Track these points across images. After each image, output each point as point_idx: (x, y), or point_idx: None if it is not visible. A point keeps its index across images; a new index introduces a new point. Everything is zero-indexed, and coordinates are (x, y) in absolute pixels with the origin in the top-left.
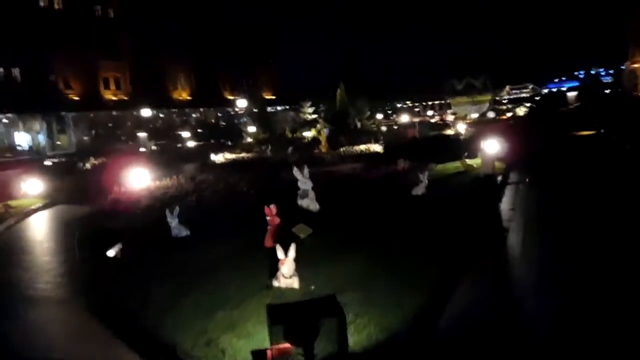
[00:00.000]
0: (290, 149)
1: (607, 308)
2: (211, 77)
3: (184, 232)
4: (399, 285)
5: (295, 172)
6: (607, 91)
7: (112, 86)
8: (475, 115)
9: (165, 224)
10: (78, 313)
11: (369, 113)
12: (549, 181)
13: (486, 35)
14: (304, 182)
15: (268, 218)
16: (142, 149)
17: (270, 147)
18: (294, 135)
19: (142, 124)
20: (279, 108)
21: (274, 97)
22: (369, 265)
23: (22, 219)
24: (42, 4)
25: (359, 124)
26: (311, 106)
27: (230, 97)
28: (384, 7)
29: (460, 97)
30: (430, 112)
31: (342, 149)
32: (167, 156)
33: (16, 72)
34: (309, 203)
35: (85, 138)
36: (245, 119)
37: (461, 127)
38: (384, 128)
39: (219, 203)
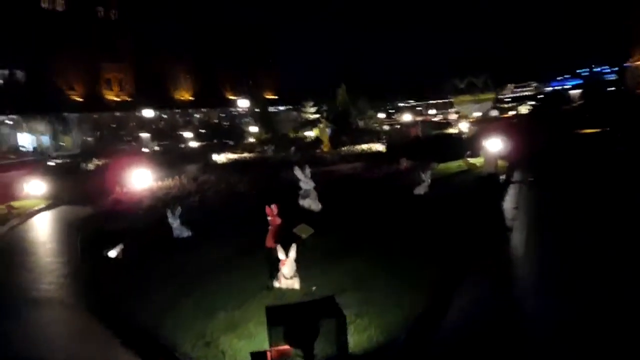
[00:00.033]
0: (292, 148)
1: (611, 309)
2: (213, 77)
3: (186, 233)
4: (400, 285)
5: (297, 172)
6: (611, 89)
7: (115, 87)
8: (478, 114)
9: (166, 224)
10: (79, 314)
11: (370, 112)
12: (552, 180)
13: (486, 35)
14: (305, 182)
15: (269, 218)
16: (144, 150)
17: (272, 147)
18: (296, 135)
19: (145, 124)
20: (281, 108)
21: (276, 97)
22: (371, 265)
23: (25, 219)
24: (44, 6)
25: (361, 124)
26: (313, 106)
27: (232, 98)
28: (384, 7)
29: (462, 96)
30: (432, 111)
31: (344, 149)
32: (170, 157)
33: (19, 74)
34: (311, 203)
35: (89, 139)
36: (248, 119)
37: (464, 126)
38: (386, 127)
39: (221, 203)
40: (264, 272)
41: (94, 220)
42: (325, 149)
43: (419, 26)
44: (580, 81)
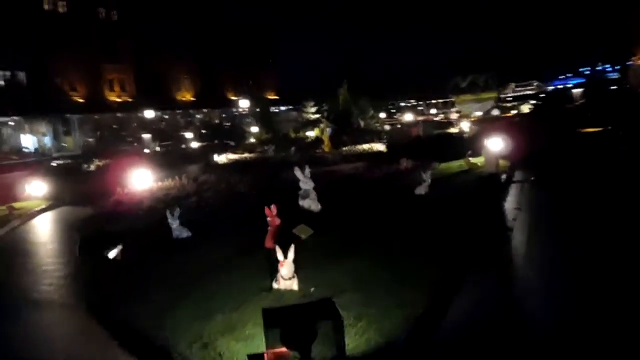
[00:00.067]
0: (292, 149)
1: (613, 310)
2: (214, 78)
3: (185, 234)
4: (400, 286)
5: (297, 172)
6: (613, 88)
7: (117, 88)
8: (479, 113)
9: (166, 225)
10: (77, 315)
11: (372, 112)
12: (554, 179)
13: (486, 35)
14: (305, 182)
15: (268, 219)
16: (146, 151)
17: (272, 147)
18: (297, 135)
19: (147, 125)
20: (282, 108)
21: (276, 98)
22: (370, 266)
23: (26, 220)
24: (46, 7)
25: (362, 123)
26: (314, 106)
27: (234, 98)
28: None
29: (464, 95)
30: (433, 111)
31: (344, 149)
32: (171, 157)
33: (21, 75)
34: (310, 203)
35: (91, 140)
36: (249, 120)
37: (465, 125)
38: (387, 127)
39: (221, 204)
40: (263, 273)
41: (94, 221)
42: (326, 149)
43: (419, 26)
44: (583, 80)
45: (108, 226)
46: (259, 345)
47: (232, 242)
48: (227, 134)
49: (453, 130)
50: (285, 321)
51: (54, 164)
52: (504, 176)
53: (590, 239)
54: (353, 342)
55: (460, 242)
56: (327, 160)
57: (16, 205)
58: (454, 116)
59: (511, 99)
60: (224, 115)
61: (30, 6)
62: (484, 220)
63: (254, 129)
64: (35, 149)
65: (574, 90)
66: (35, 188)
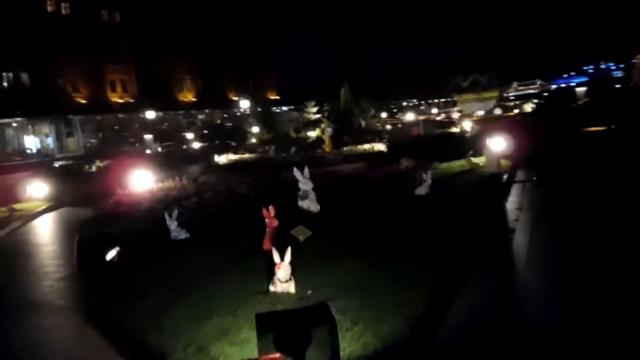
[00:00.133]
0: (293, 149)
1: (616, 312)
2: (215, 78)
3: (183, 235)
4: (399, 289)
5: (296, 172)
6: (618, 86)
7: (119, 89)
8: (481, 113)
9: (165, 226)
10: (73, 317)
11: (373, 112)
12: (557, 179)
13: (486, 35)
14: (304, 182)
15: (266, 220)
16: (148, 151)
17: (273, 148)
18: (298, 135)
19: (148, 126)
20: (284, 108)
21: (277, 98)
22: (369, 268)
23: (26, 222)
24: (49, 9)
25: (363, 123)
26: (315, 106)
27: (235, 98)
28: (384, 7)
29: (466, 95)
30: (434, 110)
31: (345, 149)
32: (172, 158)
33: (24, 76)
34: (310, 204)
35: (93, 140)
36: (250, 120)
37: (467, 125)
38: (388, 127)
39: (220, 204)
40: (261, 275)
41: (94, 222)
42: (326, 149)
43: (419, 26)
44: (586, 78)
45: (107, 227)
46: (254, 349)
47: (231, 244)
48: (228, 135)
49: (455, 129)
50: (278, 326)
51: (56, 165)
52: (505, 176)
53: (593, 239)
54: (349, 346)
55: (460, 243)
56: (327, 160)
57: (17, 206)
58: (455, 115)
59: (513, 98)
60: (225, 116)
61: (33, 8)
62: (485, 220)
63: (255, 129)
64: (38, 150)
65: (578, 89)
66: (37, 189)
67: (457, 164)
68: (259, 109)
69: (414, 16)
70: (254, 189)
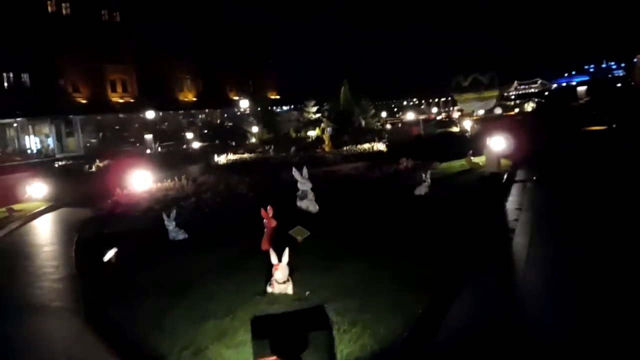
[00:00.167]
0: (292, 149)
1: (617, 316)
2: (215, 78)
3: (181, 236)
4: (398, 290)
5: (295, 172)
6: (619, 85)
7: (119, 89)
8: (481, 112)
9: (163, 226)
10: (70, 319)
11: (373, 111)
12: (558, 179)
13: (486, 35)
14: (303, 182)
15: (265, 220)
16: (148, 151)
17: (273, 147)
18: (298, 135)
19: (148, 126)
20: (284, 108)
21: (277, 97)
22: (368, 268)
23: (25, 222)
24: (49, 9)
25: (363, 123)
26: (315, 105)
27: (235, 98)
28: (384, 7)
29: (466, 94)
30: (434, 109)
31: (345, 148)
32: (172, 158)
33: (25, 76)
34: (308, 204)
35: (93, 140)
36: (250, 120)
37: (467, 124)
38: (388, 126)
39: (219, 205)
40: (259, 276)
41: (93, 223)
42: (326, 149)
43: (419, 26)
44: (587, 77)
45: (106, 228)
46: (251, 352)
47: (230, 244)
48: (228, 134)
49: (455, 129)
50: (274, 330)
51: (56, 165)
52: (505, 176)
53: (593, 239)
54: (347, 348)
55: (460, 243)
56: (327, 160)
57: (16, 206)
58: (455, 115)
59: (514, 97)
60: (225, 116)
61: (34, 8)
62: (485, 221)
63: (255, 129)
64: (38, 150)
65: (579, 88)
66: (36, 189)
67: (457, 164)
68: (259, 109)
69: (414, 16)
70: (253, 189)
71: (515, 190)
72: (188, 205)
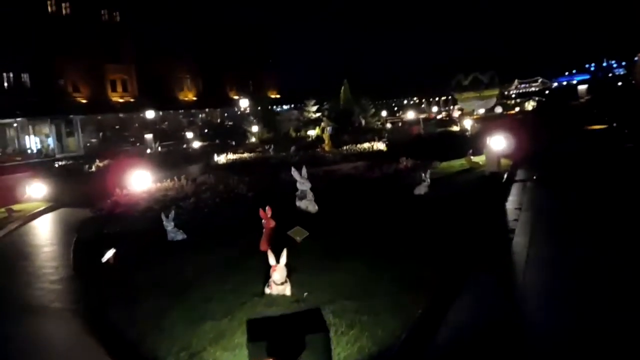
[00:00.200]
0: (292, 148)
1: (618, 316)
2: (215, 77)
3: (180, 236)
4: (397, 291)
5: (294, 172)
6: (619, 84)
7: (119, 89)
8: (482, 111)
9: (162, 227)
10: (68, 320)
11: (373, 110)
12: (558, 178)
13: (486, 35)
14: (302, 182)
15: (263, 221)
16: (148, 151)
17: (273, 147)
18: (298, 134)
19: (149, 125)
20: (284, 107)
21: (277, 97)
22: (367, 269)
23: (24, 223)
24: (49, 9)
25: (363, 122)
26: (315, 105)
27: (235, 97)
28: (384, 7)
29: (467, 93)
30: (435, 108)
31: (345, 148)
32: (172, 157)
33: (25, 76)
34: (308, 204)
35: (93, 140)
36: (251, 119)
37: (467, 123)
38: (388, 125)
39: (218, 205)
40: (257, 277)
41: (92, 223)
42: (326, 148)
43: (419, 26)
44: (588, 76)
45: (105, 228)
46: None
47: (227, 245)
48: (228, 134)
49: (455, 128)
50: (270, 333)
51: (56, 165)
52: (505, 175)
53: (593, 239)
54: (344, 350)
55: (459, 243)
56: (327, 159)
57: (16, 207)
58: (456, 114)
59: (515, 96)
60: (225, 115)
61: (34, 8)
62: (485, 220)
63: (255, 129)
64: (39, 150)
65: (580, 87)
66: (36, 190)
67: (457, 163)
68: (259, 108)
69: (414, 16)
70: (253, 188)
71: (515, 189)
72: (187, 206)
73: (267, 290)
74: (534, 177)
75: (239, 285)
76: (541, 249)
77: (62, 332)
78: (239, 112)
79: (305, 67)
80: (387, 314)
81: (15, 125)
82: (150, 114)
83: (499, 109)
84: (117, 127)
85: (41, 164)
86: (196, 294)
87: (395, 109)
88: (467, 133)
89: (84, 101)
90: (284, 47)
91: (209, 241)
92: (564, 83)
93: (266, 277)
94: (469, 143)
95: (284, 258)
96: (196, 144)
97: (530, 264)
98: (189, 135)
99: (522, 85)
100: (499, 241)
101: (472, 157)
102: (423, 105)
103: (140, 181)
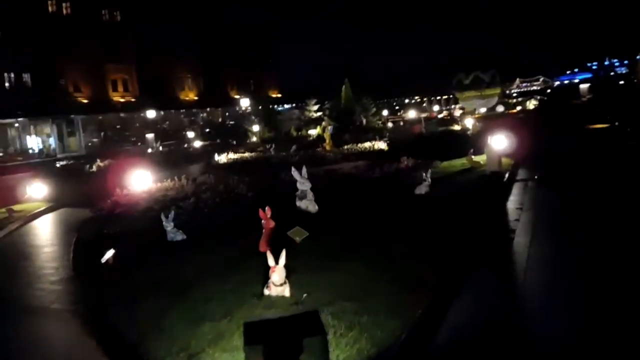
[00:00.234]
0: (293, 147)
1: (619, 316)
2: (216, 77)
3: (180, 237)
4: (396, 292)
5: (294, 172)
6: (621, 82)
7: (120, 88)
8: (483, 110)
9: (161, 227)
10: (67, 321)
11: (374, 110)
12: (560, 178)
13: (486, 35)
14: (302, 182)
15: (263, 221)
16: (149, 150)
17: (274, 146)
18: (299, 133)
19: (150, 125)
20: (286, 106)
21: (279, 96)
22: (367, 269)
23: (25, 223)
24: (50, 9)
25: (364, 121)
26: (316, 104)
27: (236, 97)
28: (384, 7)
29: (468, 92)
30: (436, 107)
31: (346, 147)
32: (173, 157)
33: (26, 76)
34: (308, 204)
35: (95, 140)
36: (251, 119)
37: (469, 123)
38: (390, 124)
39: (218, 205)
40: (257, 278)
41: (92, 223)
42: (327, 148)
43: (419, 26)
44: (590, 75)
45: (105, 228)
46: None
47: (227, 245)
48: (229, 133)
49: (456, 127)
50: (267, 336)
51: (57, 165)
52: (507, 175)
53: (595, 239)
54: (343, 352)
55: (460, 243)
56: (327, 159)
57: (16, 207)
58: (457, 113)
59: (516, 94)
60: (226, 114)
61: (34, 8)
62: (485, 221)
63: (256, 128)
64: (40, 150)
65: (582, 86)
66: (36, 190)
67: (458, 163)
68: (260, 108)
69: (414, 16)
70: (253, 188)
71: (516, 189)
72: (187, 206)
73: (266, 292)
74: (536, 177)
75: (238, 286)
76: (542, 249)
77: (62, 333)
78: (240, 112)
79: (305, 66)
80: (387, 315)
81: (16, 125)
82: (151, 114)
83: (500, 108)
84: (118, 126)
85: (42, 164)
86: (196, 295)
87: (397, 108)
88: (469, 132)
89: (85, 101)
90: (285, 47)
91: (209, 241)
92: (566, 82)
93: (266, 278)
94: (470, 142)
95: (283, 259)
96: (197, 144)
97: (531, 264)
98: (190, 134)
99: (524, 84)
100: (500, 241)
101: (473, 157)
102: (424, 105)
103: (140, 181)
